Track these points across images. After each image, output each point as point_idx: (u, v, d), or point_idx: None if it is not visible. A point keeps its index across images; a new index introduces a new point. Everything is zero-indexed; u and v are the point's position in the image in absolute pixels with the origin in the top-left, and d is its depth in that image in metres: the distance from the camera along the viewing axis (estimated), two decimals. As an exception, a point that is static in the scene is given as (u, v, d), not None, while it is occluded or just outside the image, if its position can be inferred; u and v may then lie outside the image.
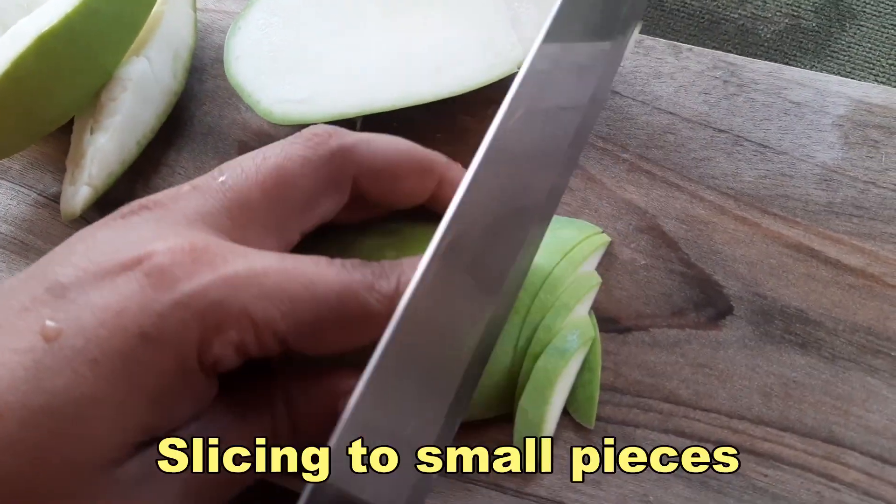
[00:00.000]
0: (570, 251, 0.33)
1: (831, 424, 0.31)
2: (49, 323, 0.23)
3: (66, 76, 0.35)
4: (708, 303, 0.33)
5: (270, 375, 0.28)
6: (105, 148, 0.37)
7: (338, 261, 0.26)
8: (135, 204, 0.26)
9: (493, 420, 0.32)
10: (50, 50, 0.34)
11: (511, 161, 0.28)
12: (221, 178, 0.27)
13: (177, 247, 0.24)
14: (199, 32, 0.43)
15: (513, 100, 0.27)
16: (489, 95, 0.37)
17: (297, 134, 0.28)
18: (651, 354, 0.33)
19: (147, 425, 0.24)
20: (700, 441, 0.31)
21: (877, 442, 0.30)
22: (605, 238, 0.34)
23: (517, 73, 0.27)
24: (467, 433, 0.32)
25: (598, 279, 0.33)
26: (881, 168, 0.35)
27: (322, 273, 0.25)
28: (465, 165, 0.37)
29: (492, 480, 0.31)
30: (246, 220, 0.26)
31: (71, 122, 0.39)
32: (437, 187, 0.30)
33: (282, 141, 0.28)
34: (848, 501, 0.30)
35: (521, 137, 0.28)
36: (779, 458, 0.31)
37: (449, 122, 0.39)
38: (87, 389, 0.22)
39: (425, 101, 0.35)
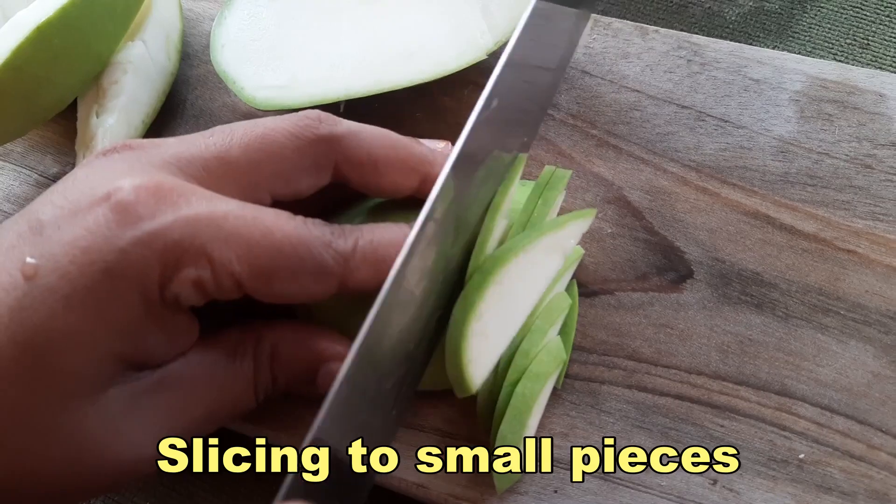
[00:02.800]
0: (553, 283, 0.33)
1: (784, 378, 0.33)
2: (29, 260, 0.25)
3: (64, 64, 0.37)
4: (670, 267, 0.36)
5: (262, 326, 0.30)
6: (114, 128, 0.40)
7: (300, 217, 0.28)
8: (118, 143, 0.28)
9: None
10: (48, 40, 0.36)
11: (490, 135, 0.30)
12: (209, 135, 0.29)
13: (143, 185, 0.26)
14: (191, 21, 0.45)
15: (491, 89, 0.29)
16: (466, 76, 0.39)
17: (292, 114, 0.30)
18: (616, 316, 0.35)
19: (121, 355, 0.26)
20: (661, 395, 0.33)
21: (825, 394, 0.32)
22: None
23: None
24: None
25: (568, 301, 0.33)
26: (834, 140, 0.37)
27: (281, 224, 0.27)
28: (444, 140, 0.39)
29: (470, 434, 0.33)
30: (221, 173, 0.28)
31: (69, 107, 0.41)
32: (422, 183, 0.31)
33: (275, 116, 0.30)
34: (798, 449, 0.32)
35: (497, 116, 0.30)
36: (734, 409, 0.33)
37: (429, 102, 0.41)
38: (61, 324, 0.25)
39: (399, 87, 0.37)
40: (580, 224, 0.34)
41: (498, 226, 0.32)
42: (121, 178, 0.26)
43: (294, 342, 0.30)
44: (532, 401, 0.31)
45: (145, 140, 0.29)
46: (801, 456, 0.32)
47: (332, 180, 0.30)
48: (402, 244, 0.29)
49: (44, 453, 0.25)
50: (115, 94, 0.40)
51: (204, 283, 0.26)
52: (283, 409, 0.34)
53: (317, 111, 0.30)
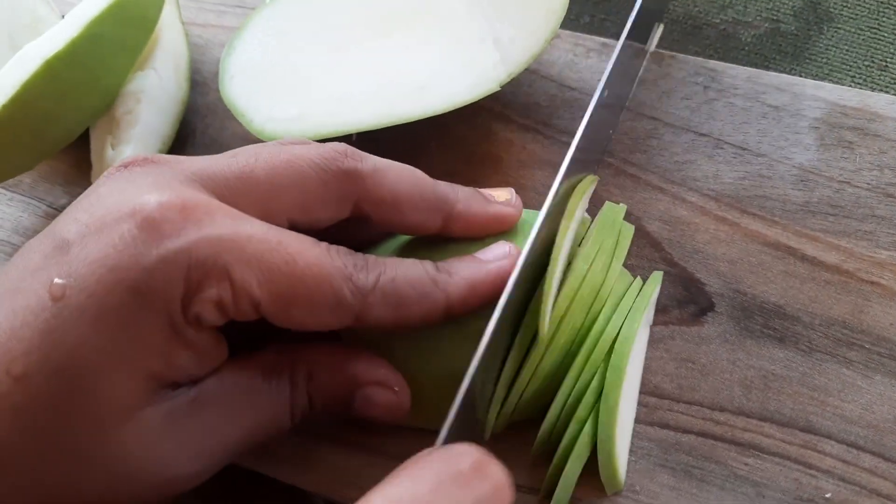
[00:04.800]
0: (629, 310, 0.33)
1: (808, 414, 0.32)
2: (56, 280, 0.25)
3: (72, 98, 0.37)
4: (690, 300, 0.35)
5: (299, 348, 0.29)
6: None
7: (324, 244, 0.27)
8: (140, 156, 0.28)
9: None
10: (56, 74, 0.35)
11: None
12: (233, 154, 0.29)
13: (168, 202, 0.25)
14: (200, 47, 0.44)
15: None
16: (480, 105, 0.38)
17: (319, 144, 0.30)
18: (637, 351, 0.34)
19: (152, 373, 0.25)
20: (683, 432, 0.33)
21: (851, 430, 0.32)
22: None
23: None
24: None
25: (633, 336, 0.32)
26: (855, 168, 0.36)
27: (304, 252, 0.26)
28: (460, 174, 0.38)
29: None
30: (243, 192, 0.28)
31: (79, 137, 0.41)
32: (444, 223, 0.31)
33: (304, 145, 0.30)
34: (824, 487, 0.31)
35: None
36: (759, 447, 0.32)
37: (442, 131, 0.40)
38: (93, 345, 0.24)
39: (409, 120, 0.36)
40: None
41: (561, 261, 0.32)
42: (146, 194, 0.26)
43: (331, 365, 0.30)
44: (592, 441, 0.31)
45: (167, 155, 0.28)
46: (828, 495, 0.31)
47: (351, 215, 0.30)
48: (423, 284, 0.28)
49: (84, 476, 0.25)
50: (130, 125, 0.40)
51: (224, 304, 0.26)
52: (307, 450, 0.34)
53: (344, 145, 0.30)
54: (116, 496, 0.26)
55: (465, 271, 0.29)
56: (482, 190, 0.33)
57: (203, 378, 0.27)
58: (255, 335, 0.29)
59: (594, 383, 0.31)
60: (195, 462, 0.27)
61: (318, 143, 0.30)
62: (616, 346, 0.31)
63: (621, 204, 0.35)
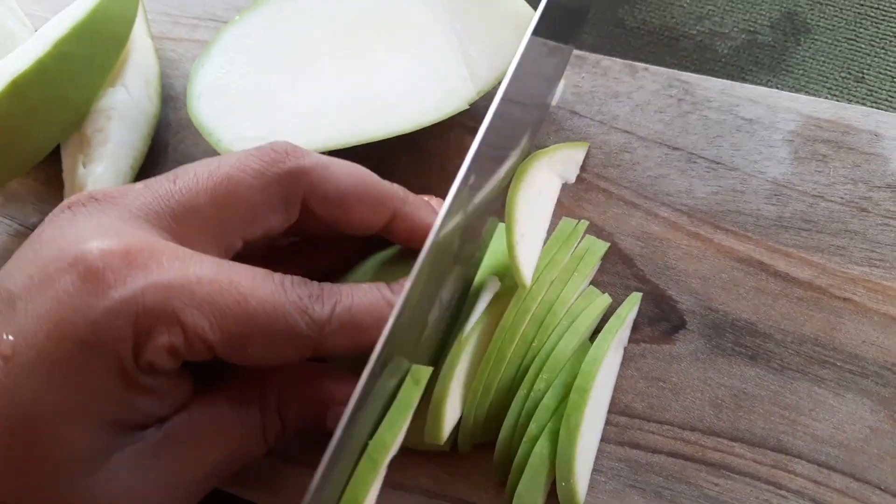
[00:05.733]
0: (586, 330, 0.33)
1: (779, 434, 0.32)
2: (6, 336, 0.24)
3: (41, 116, 0.37)
4: (662, 317, 0.35)
5: (265, 374, 0.29)
6: (104, 176, 0.39)
7: (277, 276, 0.27)
8: (84, 195, 0.27)
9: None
10: (23, 92, 0.35)
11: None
12: (174, 179, 0.28)
13: (110, 249, 0.25)
14: (173, 62, 0.44)
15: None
16: (454, 120, 0.38)
17: (258, 147, 0.29)
18: (607, 369, 0.34)
19: (112, 422, 0.25)
20: (654, 452, 0.32)
21: (823, 450, 0.32)
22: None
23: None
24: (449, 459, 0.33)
25: (598, 353, 0.32)
26: (829, 182, 0.36)
27: (257, 289, 0.26)
28: (430, 186, 0.38)
29: (457, 494, 0.33)
30: (190, 221, 0.27)
31: (50, 154, 0.40)
32: (391, 220, 0.30)
33: (241, 152, 0.29)
34: (795, 508, 0.31)
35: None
36: (729, 467, 0.32)
37: (414, 145, 0.40)
38: (46, 402, 0.24)
39: (378, 138, 0.36)
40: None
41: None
42: (88, 241, 0.25)
43: (301, 386, 0.29)
44: (550, 460, 0.30)
45: (111, 189, 0.28)
46: (799, 516, 0.31)
47: (301, 216, 0.30)
48: (379, 309, 0.28)
49: None
50: (101, 142, 0.39)
51: (177, 349, 0.25)
52: (275, 471, 0.33)
53: (284, 142, 0.29)
54: None
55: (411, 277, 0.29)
56: (433, 202, 0.33)
57: (171, 416, 0.27)
58: (221, 365, 0.29)
59: (546, 401, 0.31)
60: (173, 498, 0.27)
61: (256, 147, 0.29)
62: (584, 366, 0.31)
63: (582, 220, 0.35)
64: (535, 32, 0.31)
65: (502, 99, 0.29)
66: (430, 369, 0.29)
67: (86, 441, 0.25)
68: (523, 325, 0.32)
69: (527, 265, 0.32)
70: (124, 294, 0.24)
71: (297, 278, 0.27)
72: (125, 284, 0.24)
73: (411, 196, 0.31)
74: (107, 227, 0.26)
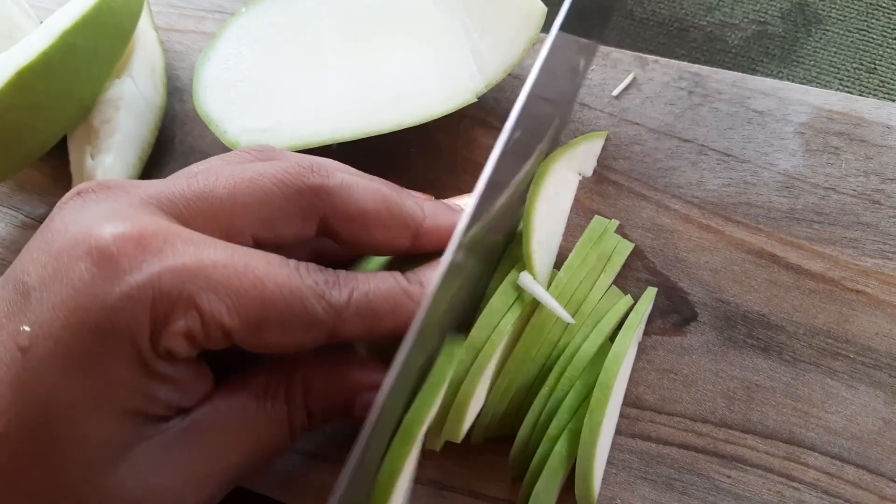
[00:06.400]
0: (609, 331, 0.32)
1: (792, 426, 0.32)
2: (23, 328, 0.24)
3: (46, 108, 0.36)
4: (673, 310, 0.34)
5: (290, 363, 0.29)
6: (114, 167, 0.39)
7: (293, 262, 0.27)
8: (93, 182, 0.27)
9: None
10: (29, 84, 0.35)
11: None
12: (194, 175, 0.28)
13: (124, 233, 0.25)
14: (179, 54, 0.44)
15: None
16: (462, 112, 0.38)
17: (285, 161, 0.29)
18: (618, 361, 0.34)
19: (133, 411, 0.25)
20: (665, 444, 0.32)
21: (836, 442, 0.31)
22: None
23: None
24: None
25: (617, 354, 0.31)
26: (841, 174, 0.36)
27: (272, 273, 0.26)
28: (440, 181, 0.38)
29: (466, 486, 0.32)
30: (204, 211, 0.27)
31: (56, 145, 0.40)
32: (413, 241, 0.30)
33: (268, 162, 0.29)
34: (808, 500, 0.31)
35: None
36: (741, 459, 0.32)
37: (423, 138, 0.40)
38: (66, 393, 0.24)
39: (385, 131, 0.36)
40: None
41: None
42: (100, 226, 0.25)
43: (326, 375, 0.29)
44: (568, 462, 0.30)
45: (123, 180, 0.28)
46: (811, 509, 0.31)
47: (318, 233, 0.29)
48: (396, 296, 0.28)
49: None
50: (109, 133, 0.39)
51: (194, 334, 0.25)
52: (293, 466, 0.33)
53: (310, 159, 0.29)
54: None
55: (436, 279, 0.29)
56: (445, 201, 0.32)
57: (194, 408, 0.27)
58: (244, 358, 0.28)
59: (568, 400, 0.30)
60: (199, 491, 0.26)
61: (285, 160, 0.29)
62: (606, 363, 0.31)
63: (613, 220, 0.35)
64: (562, 28, 0.30)
65: (529, 94, 0.28)
66: (462, 347, 0.29)
67: (107, 432, 0.24)
68: (550, 325, 0.31)
69: (544, 271, 0.31)
70: (140, 279, 0.24)
71: (312, 265, 0.27)
72: (140, 269, 0.24)
73: (427, 208, 0.30)
74: (118, 213, 0.26)
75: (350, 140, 0.36)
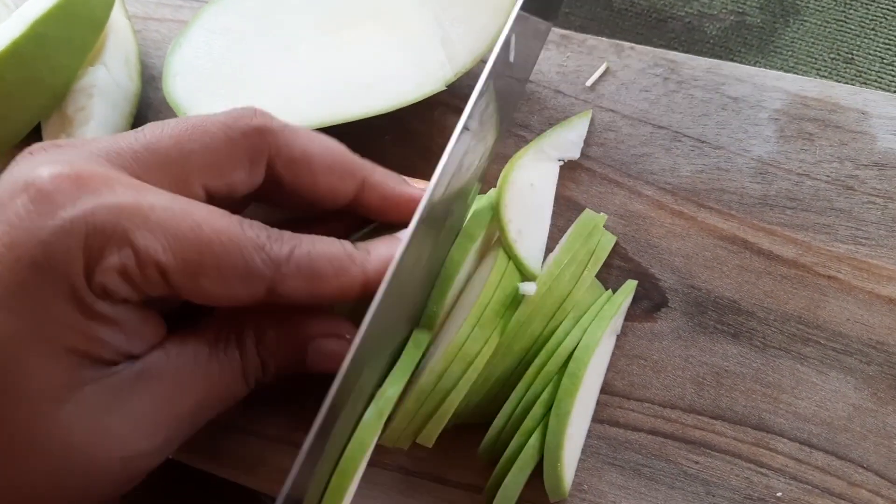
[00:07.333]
0: (587, 324, 0.32)
1: (761, 412, 0.32)
2: None
3: (18, 97, 0.36)
4: (644, 296, 0.34)
5: (243, 313, 0.29)
6: None
7: (236, 217, 0.27)
8: (47, 142, 0.27)
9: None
10: (-1, 74, 0.35)
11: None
12: (141, 129, 0.28)
13: (61, 172, 0.25)
14: (156, 42, 0.44)
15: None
16: (435, 98, 0.38)
17: (228, 109, 0.29)
18: (588, 347, 0.34)
19: (74, 350, 0.25)
20: (633, 430, 0.32)
21: (805, 428, 0.31)
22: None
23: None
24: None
25: (590, 350, 0.31)
26: (815, 160, 0.36)
27: (212, 219, 0.26)
28: (414, 166, 0.38)
29: (434, 472, 0.32)
30: (151, 163, 0.27)
31: (30, 135, 0.40)
32: (361, 191, 0.30)
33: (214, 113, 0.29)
34: (776, 486, 0.30)
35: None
36: (710, 445, 0.31)
37: (397, 125, 0.40)
38: (6, 327, 0.24)
39: (356, 119, 0.36)
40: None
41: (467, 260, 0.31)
42: (40, 168, 0.25)
43: (279, 324, 0.29)
44: (538, 454, 0.30)
45: (74, 139, 0.28)
46: (779, 494, 0.30)
47: (266, 179, 0.29)
48: (340, 259, 0.28)
49: (25, 466, 0.24)
50: (83, 121, 0.39)
51: (129, 272, 0.25)
52: (252, 449, 0.33)
53: (254, 106, 0.29)
54: (70, 482, 0.25)
55: (383, 249, 0.29)
56: (416, 183, 0.32)
57: (144, 354, 0.27)
58: (198, 316, 0.29)
59: (545, 395, 0.30)
60: (151, 438, 0.26)
61: (226, 109, 0.29)
62: (576, 353, 0.30)
63: (601, 214, 0.35)
64: (522, 8, 0.31)
65: (489, 74, 0.28)
66: (430, 335, 0.29)
67: (50, 370, 0.24)
68: (535, 320, 0.31)
69: (532, 257, 0.31)
70: (74, 213, 0.24)
71: (257, 222, 0.27)
72: (74, 205, 0.24)
73: (380, 168, 0.31)
74: (60, 160, 0.26)
75: (321, 127, 0.36)
